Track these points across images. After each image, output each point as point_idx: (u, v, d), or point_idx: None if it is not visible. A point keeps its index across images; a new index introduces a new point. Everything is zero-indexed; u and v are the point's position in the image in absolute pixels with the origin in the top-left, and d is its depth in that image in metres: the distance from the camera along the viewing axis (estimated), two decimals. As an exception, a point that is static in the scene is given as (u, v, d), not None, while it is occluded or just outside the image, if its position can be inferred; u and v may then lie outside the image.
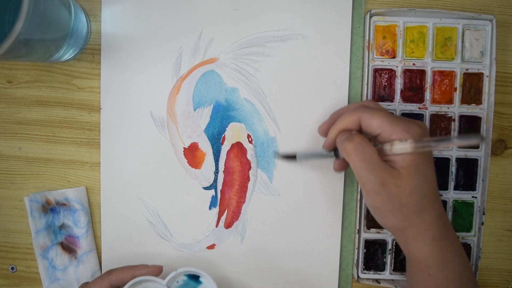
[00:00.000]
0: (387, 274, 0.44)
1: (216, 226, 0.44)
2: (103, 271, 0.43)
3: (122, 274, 0.38)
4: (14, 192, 0.44)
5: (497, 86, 0.44)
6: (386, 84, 0.43)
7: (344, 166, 0.41)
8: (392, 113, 0.41)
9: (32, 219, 0.42)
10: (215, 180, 0.43)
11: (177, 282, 0.39)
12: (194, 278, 0.39)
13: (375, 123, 0.34)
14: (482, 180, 0.44)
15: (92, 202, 0.44)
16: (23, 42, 0.30)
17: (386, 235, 0.44)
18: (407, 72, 0.43)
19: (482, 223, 0.44)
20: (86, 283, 0.39)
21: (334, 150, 0.38)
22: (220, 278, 0.44)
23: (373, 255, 0.44)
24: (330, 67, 0.43)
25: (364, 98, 0.43)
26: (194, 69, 0.43)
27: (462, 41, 0.43)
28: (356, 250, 0.44)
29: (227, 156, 0.43)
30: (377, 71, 0.43)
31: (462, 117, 0.44)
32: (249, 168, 0.43)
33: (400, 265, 0.44)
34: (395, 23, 0.43)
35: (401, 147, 0.33)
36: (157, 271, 0.38)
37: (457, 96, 0.43)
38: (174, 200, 0.43)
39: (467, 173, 0.44)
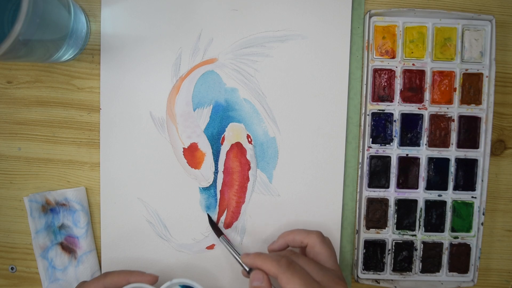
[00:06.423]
0: (386, 274, 0.44)
1: (216, 226, 0.44)
2: (103, 271, 0.43)
3: (117, 278, 0.38)
4: (14, 192, 0.44)
5: (496, 86, 0.44)
6: (385, 84, 0.43)
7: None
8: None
9: (32, 219, 0.42)
10: (215, 180, 0.43)
11: None
12: None
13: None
14: (482, 181, 0.44)
15: (91, 202, 0.44)
16: (23, 43, 0.30)
17: (385, 235, 0.44)
18: (406, 72, 0.43)
19: (482, 224, 0.44)
20: (83, 282, 0.39)
21: (249, 270, 0.38)
22: (219, 278, 0.44)
23: (373, 255, 0.44)
24: (329, 67, 0.43)
25: (364, 98, 0.43)
26: (193, 69, 0.43)
27: (462, 42, 0.43)
28: (356, 251, 0.44)
29: (226, 156, 0.43)
30: (376, 72, 0.43)
31: (461, 117, 0.44)
32: (249, 168, 0.43)
33: (399, 266, 0.44)
34: (394, 23, 0.43)
35: None
36: (152, 280, 0.38)
37: (456, 96, 0.43)
38: (174, 201, 0.43)
39: (467, 173, 0.44)
